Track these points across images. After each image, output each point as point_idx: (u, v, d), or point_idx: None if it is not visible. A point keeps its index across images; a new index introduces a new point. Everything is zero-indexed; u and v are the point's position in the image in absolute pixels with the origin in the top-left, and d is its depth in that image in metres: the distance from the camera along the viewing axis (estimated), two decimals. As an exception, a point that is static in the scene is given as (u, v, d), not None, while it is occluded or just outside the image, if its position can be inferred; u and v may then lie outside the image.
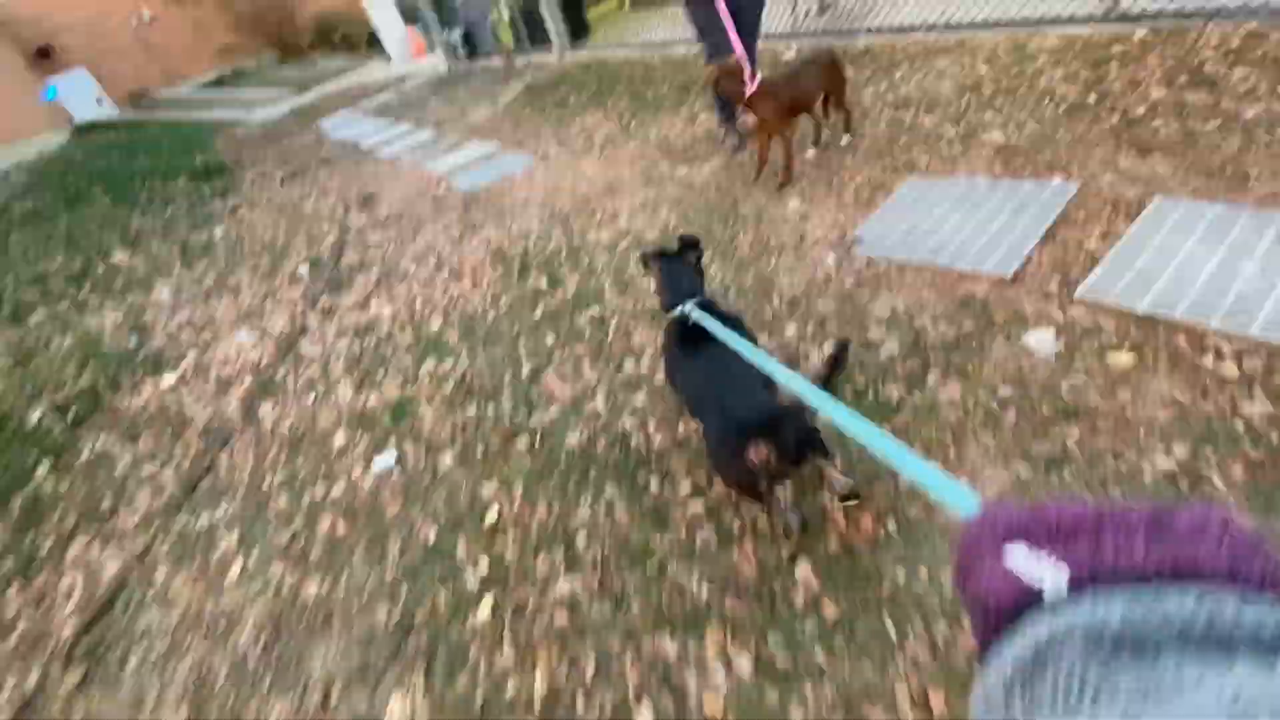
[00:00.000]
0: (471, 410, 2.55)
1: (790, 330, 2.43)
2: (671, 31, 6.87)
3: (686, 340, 1.70)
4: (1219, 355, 1.74)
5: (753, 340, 1.68)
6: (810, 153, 3.64)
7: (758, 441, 1.41)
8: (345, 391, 2.98)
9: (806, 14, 5.99)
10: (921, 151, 3.25)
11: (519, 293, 3.32)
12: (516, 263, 3.63)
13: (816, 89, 3.32)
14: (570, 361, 2.65)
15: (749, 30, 3.76)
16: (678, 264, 1.90)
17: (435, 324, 3.28)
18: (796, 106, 3.29)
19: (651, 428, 2.17)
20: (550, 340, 2.83)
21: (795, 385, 0.87)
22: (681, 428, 2.13)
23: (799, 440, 1.48)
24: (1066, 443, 1.68)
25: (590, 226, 3.77)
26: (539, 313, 3.08)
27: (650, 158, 4.45)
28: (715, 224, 3.30)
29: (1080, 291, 2.08)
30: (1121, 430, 1.66)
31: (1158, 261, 2.09)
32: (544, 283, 3.32)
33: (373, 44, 15.13)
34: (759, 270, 2.83)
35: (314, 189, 6.60)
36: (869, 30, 5.04)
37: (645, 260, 1.96)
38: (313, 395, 3.03)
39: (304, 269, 4.55)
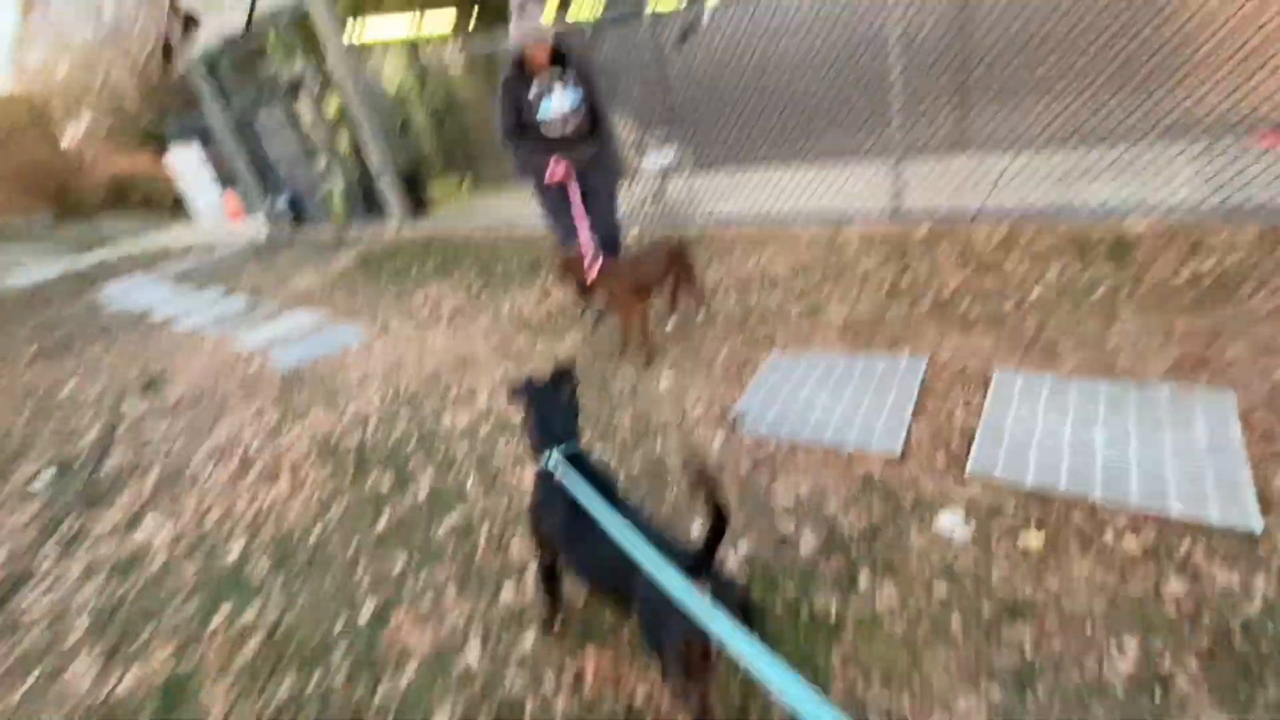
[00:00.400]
0: (285, 686, 1.84)
1: (695, 527, 2.16)
2: (516, 211, 7.13)
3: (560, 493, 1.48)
4: (1117, 532, 1.78)
5: (624, 505, 1.47)
6: (670, 322, 3.68)
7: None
8: (85, 668, 2.07)
9: (642, 203, 6.56)
10: (775, 326, 3.41)
11: (355, 497, 2.72)
12: (352, 457, 3.04)
13: (661, 271, 3.40)
14: (429, 592, 2.10)
15: (603, 213, 3.89)
16: (549, 398, 1.71)
17: (235, 549, 2.53)
18: (642, 288, 3.33)
19: (550, 686, 1.68)
20: (400, 563, 2.26)
21: (670, 584, 0.80)
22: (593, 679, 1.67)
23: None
24: (1024, 648, 1.53)
25: (444, 408, 3.35)
26: (383, 523, 2.50)
27: (505, 331, 4.24)
28: (590, 401, 3.07)
29: (970, 468, 2.10)
30: (1069, 627, 1.56)
31: (1023, 432, 2.21)
32: (389, 482, 2.77)
33: (179, 206, 14.01)
34: (646, 452, 2.59)
35: (81, 367, 5.42)
36: (699, 218, 5.57)
37: (512, 393, 1.77)
38: (30, 680, 2.07)
39: (44, 478, 3.46)
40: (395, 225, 8.05)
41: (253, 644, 2.02)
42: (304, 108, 8.67)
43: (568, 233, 3.81)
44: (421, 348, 4.26)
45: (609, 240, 3.98)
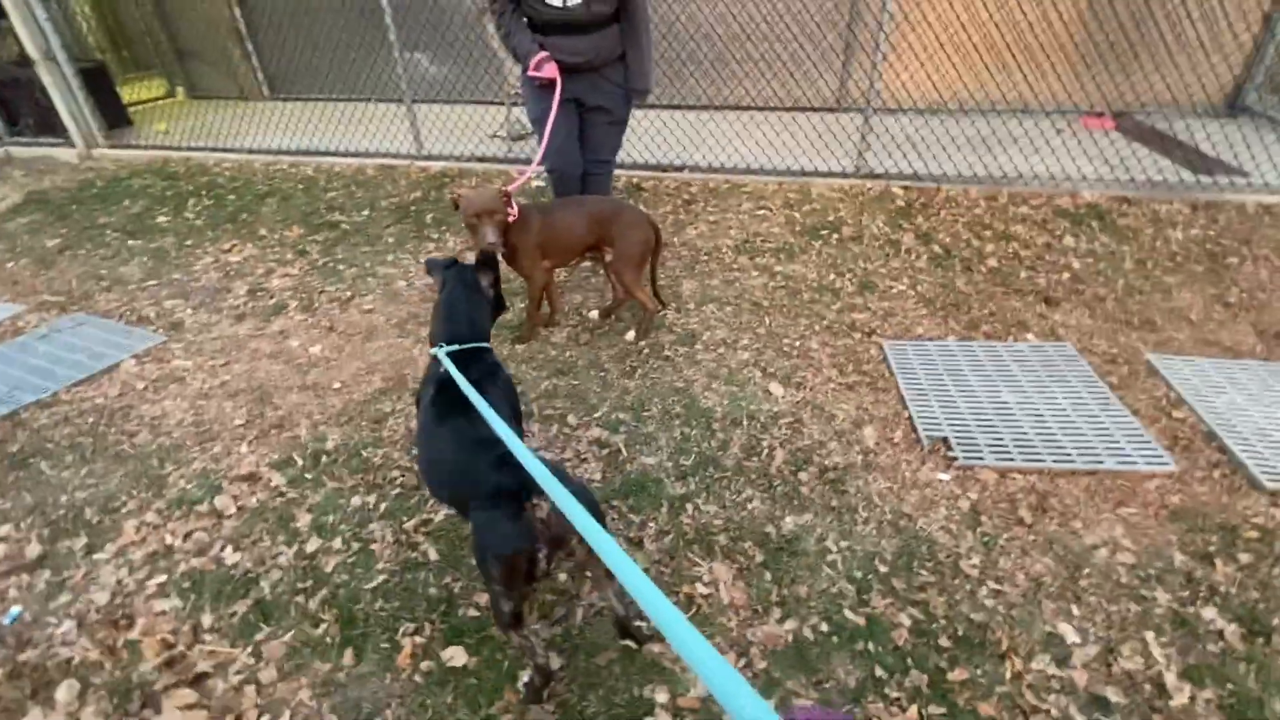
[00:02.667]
0: None
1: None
2: (311, 132, 5.01)
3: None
4: None
5: (517, 415, 1.53)
6: (593, 314, 2.80)
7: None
8: None
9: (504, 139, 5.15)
10: (831, 307, 2.81)
11: None
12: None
13: (579, 238, 2.47)
14: None
15: (598, 141, 2.77)
16: (466, 285, 1.61)
17: None
18: (551, 251, 2.44)
19: None
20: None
21: (537, 471, 0.87)
22: None
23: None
24: None
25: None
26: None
27: (426, 317, 2.81)
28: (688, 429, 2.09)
29: (1270, 484, 1.84)
30: None
31: (1262, 425, 2.03)
32: None
33: None
34: (851, 523, 1.80)
35: None
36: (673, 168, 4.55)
37: (429, 269, 1.71)
38: None
39: None
40: (81, 146, 5.05)
41: None
42: None
43: (559, 157, 2.65)
44: (286, 367, 2.59)
45: (597, 182, 2.87)
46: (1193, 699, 1.36)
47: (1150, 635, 1.48)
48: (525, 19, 2.50)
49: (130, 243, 3.70)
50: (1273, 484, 1.82)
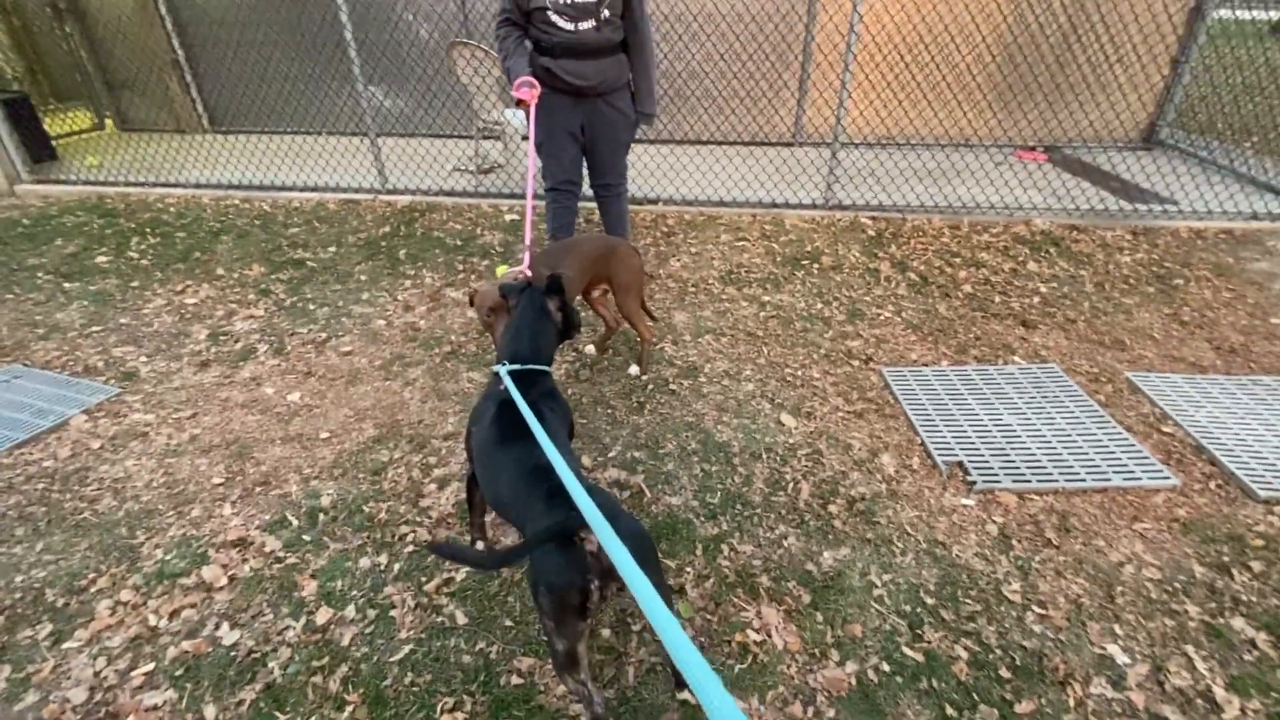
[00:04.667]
0: None
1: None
2: (256, 168, 4.77)
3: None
4: None
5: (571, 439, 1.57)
6: (589, 349, 2.75)
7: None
8: None
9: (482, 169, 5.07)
10: (824, 336, 2.85)
11: None
12: None
13: (575, 279, 2.32)
14: None
15: (602, 165, 2.78)
16: (536, 309, 1.63)
17: None
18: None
19: None
20: None
21: (584, 507, 0.87)
22: None
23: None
24: None
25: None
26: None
27: (413, 358, 2.69)
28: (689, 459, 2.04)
29: (1266, 494, 1.95)
30: None
31: (1242, 437, 2.16)
32: None
33: None
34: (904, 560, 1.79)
35: None
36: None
37: (504, 294, 1.73)
38: None
39: None
40: (2, 181, 4.62)
41: None
42: None
43: (555, 182, 2.67)
44: (263, 417, 2.40)
45: (609, 205, 2.91)
46: (1243, 710, 1.39)
47: (1191, 649, 1.52)
48: (535, 43, 2.49)
49: (67, 285, 3.38)
50: (1265, 493, 1.93)
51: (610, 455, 2.16)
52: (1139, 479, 2.00)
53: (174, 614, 1.63)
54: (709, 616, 1.60)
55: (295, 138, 5.75)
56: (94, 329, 3.00)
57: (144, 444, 2.26)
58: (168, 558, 1.79)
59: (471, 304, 2.09)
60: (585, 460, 2.14)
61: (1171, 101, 5.21)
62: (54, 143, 5.30)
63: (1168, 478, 2.00)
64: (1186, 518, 1.89)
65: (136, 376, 2.65)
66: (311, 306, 3.15)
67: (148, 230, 4.03)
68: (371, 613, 1.62)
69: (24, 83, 5.91)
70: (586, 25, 2.40)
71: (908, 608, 1.62)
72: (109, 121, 6.27)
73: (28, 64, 6.14)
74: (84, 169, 5.02)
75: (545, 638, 1.24)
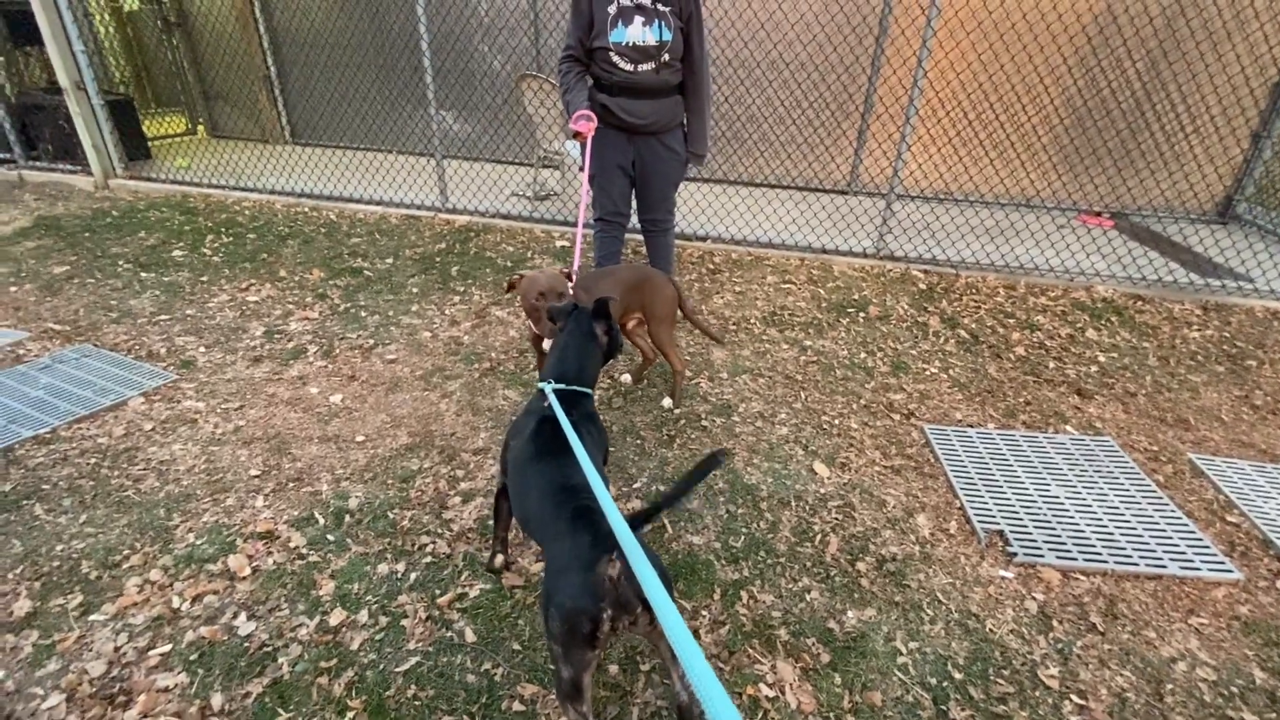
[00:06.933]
0: None
1: None
2: (328, 179, 5.03)
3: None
4: None
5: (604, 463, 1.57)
6: (625, 378, 2.75)
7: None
8: None
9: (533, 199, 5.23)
10: (864, 387, 2.78)
11: None
12: None
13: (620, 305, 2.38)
14: None
15: (651, 203, 2.82)
16: (584, 332, 1.65)
17: None
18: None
19: None
20: None
21: (619, 529, 0.86)
22: None
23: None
24: None
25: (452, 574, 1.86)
26: None
27: (453, 371, 2.73)
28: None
29: (1339, 596, 1.79)
30: None
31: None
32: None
33: None
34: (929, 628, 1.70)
35: None
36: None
37: (553, 316, 1.74)
38: None
39: None
40: (99, 175, 5.01)
41: None
42: None
43: (604, 213, 2.74)
44: (305, 415, 2.48)
45: (656, 241, 2.95)
46: (1308, 843, 1.25)
47: (1249, 765, 1.38)
48: (595, 80, 2.57)
49: (143, 274, 3.60)
50: (1342, 599, 1.77)
51: (635, 486, 2.14)
52: (1198, 569, 1.86)
53: (197, 598, 1.67)
54: (721, 665, 1.55)
55: (367, 154, 6.06)
56: (162, 317, 3.17)
57: (192, 430, 2.35)
58: (198, 542, 1.84)
59: (510, 289, 2.14)
60: (610, 489, 2.12)
61: (1250, 175, 5.01)
62: (150, 143, 5.72)
63: (1230, 571, 1.86)
64: (1249, 616, 1.74)
65: (194, 365, 2.78)
66: (363, 314, 3.26)
67: (222, 230, 4.27)
68: (383, 620, 1.62)
69: (130, 87, 6.42)
70: (646, 67, 2.48)
71: (933, 680, 1.52)
72: (201, 127, 6.74)
73: (135, 70, 6.69)
74: (173, 169, 5.39)
75: (552, 665, 1.21)
